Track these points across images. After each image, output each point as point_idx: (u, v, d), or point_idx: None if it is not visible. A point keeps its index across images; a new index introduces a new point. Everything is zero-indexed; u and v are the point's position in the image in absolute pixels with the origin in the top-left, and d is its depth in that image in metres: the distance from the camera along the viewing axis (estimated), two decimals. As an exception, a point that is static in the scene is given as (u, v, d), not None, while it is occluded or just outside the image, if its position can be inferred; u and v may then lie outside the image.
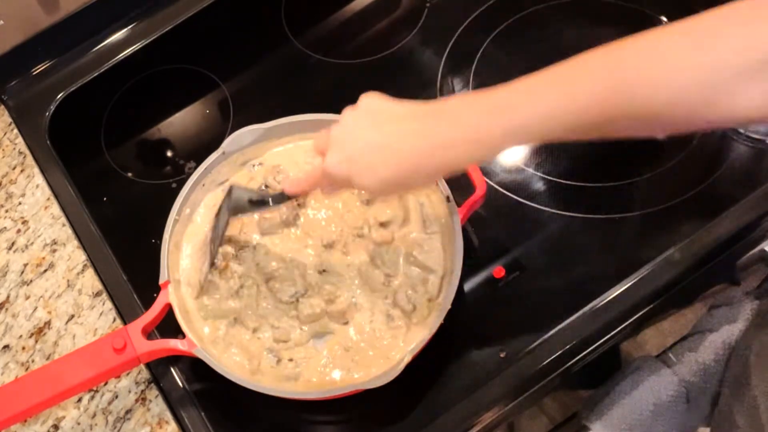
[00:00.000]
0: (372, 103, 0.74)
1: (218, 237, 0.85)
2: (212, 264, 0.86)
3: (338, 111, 0.91)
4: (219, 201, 0.90)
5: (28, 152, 1.03)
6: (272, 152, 0.93)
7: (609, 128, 0.63)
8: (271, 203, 0.83)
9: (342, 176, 0.72)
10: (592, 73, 0.62)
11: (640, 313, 0.85)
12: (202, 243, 0.88)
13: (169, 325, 0.83)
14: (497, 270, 0.87)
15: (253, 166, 0.92)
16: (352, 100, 1.02)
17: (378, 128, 0.71)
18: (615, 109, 0.61)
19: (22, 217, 0.98)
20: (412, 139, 0.69)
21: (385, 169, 0.70)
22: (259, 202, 0.84)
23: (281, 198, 0.82)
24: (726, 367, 0.89)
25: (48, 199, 0.98)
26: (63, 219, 0.97)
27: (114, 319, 0.89)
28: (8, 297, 0.92)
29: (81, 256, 0.94)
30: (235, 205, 0.84)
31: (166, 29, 1.10)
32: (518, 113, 0.64)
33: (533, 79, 0.65)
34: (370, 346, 0.82)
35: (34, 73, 1.10)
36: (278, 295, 0.84)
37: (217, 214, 0.86)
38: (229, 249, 0.87)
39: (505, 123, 0.65)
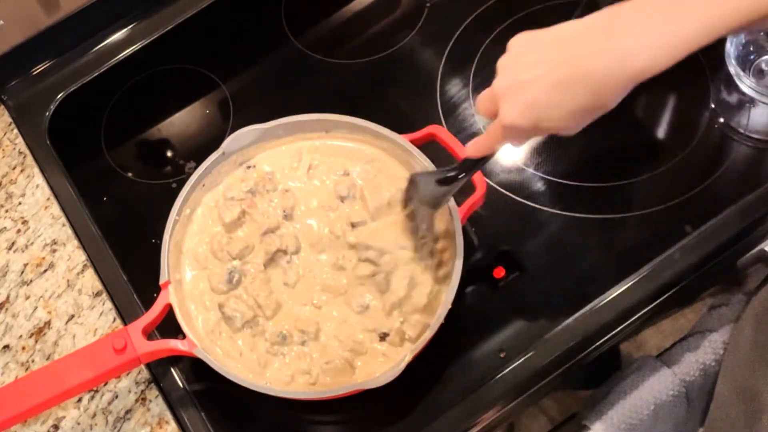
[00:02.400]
0: (525, 39, 0.68)
1: (430, 231, 0.83)
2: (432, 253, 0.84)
3: (338, 111, 0.92)
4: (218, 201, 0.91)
5: (28, 152, 1.03)
6: (261, 156, 0.93)
7: None
8: (462, 176, 0.77)
9: (529, 125, 0.66)
10: None
11: (640, 313, 0.85)
12: None
13: (169, 326, 0.83)
14: (497, 270, 0.87)
15: (248, 167, 0.92)
16: (352, 100, 1.03)
17: (548, 61, 0.65)
18: None
19: (22, 217, 0.98)
20: (593, 55, 0.63)
21: (573, 100, 0.64)
22: (447, 180, 0.78)
23: (468, 166, 0.76)
24: (722, 358, 0.89)
25: (48, 199, 0.98)
26: (63, 219, 0.97)
27: (114, 319, 0.89)
28: (8, 297, 0.92)
29: (81, 256, 0.94)
30: (427, 196, 0.80)
31: (166, 29, 1.10)
32: (711, 7, 0.60)
33: None
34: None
35: (34, 73, 1.10)
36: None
37: (405, 205, 0.83)
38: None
39: (701, 18, 0.61)
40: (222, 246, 0.87)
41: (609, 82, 0.64)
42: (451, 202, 0.84)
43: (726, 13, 0.61)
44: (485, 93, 0.71)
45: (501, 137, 0.71)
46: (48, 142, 1.03)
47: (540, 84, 0.65)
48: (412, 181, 0.82)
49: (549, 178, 0.93)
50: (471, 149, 0.75)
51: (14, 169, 1.02)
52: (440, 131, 0.88)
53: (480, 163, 0.76)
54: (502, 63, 0.68)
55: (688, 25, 0.61)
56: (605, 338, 0.84)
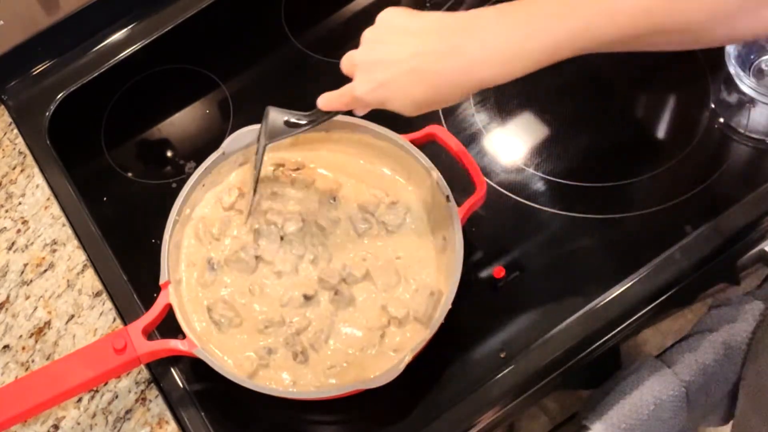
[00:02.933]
0: (393, 19, 0.71)
1: (259, 161, 0.87)
2: (255, 189, 0.88)
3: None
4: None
5: (28, 152, 1.03)
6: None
7: (646, 41, 0.63)
8: (306, 123, 0.84)
9: (374, 102, 0.72)
10: None
11: (640, 313, 0.85)
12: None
13: (169, 326, 0.83)
14: (497, 270, 0.87)
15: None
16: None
17: (405, 49, 0.68)
18: (657, 21, 0.61)
19: (22, 217, 0.98)
20: (444, 58, 0.67)
21: (419, 92, 0.69)
22: (295, 124, 0.84)
23: (317, 116, 0.82)
24: (740, 371, 0.89)
25: (48, 199, 0.98)
26: (63, 219, 0.97)
27: (114, 319, 0.89)
28: (8, 297, 0.92)
29: (81, 256, 0.94)
30: (272, 129, 0.85)
31: (166, 29, 1.10)
32: (560, 26, 0.63)
33: None
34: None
35: (34, 73, 1.10)
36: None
37: (258, 139, 0.87)
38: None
39: (546, 38, 0.63)
40: (207, 229, 0.89)
41: (454, 85, 0.68)
42: (451, 202, 0.84)
43: (568, 36, 0.63)
44: (350, 54, 0.74)
45: (349, 102, 0.76)
46: (48, 142, 1.03)
47: (393, 69, 0.69)
48: (266, 114, 0.86)
49: (549, 178, 0.93)
50: (322, 101, 0.79)
51: (14, 169, 1.02)
52: (440, 131, 0.88)
53: (328, 116, 0.81)
54: (367, 36, 0.72)
55: (532, 42, 0.64)
56: (605, 338, 0.84)
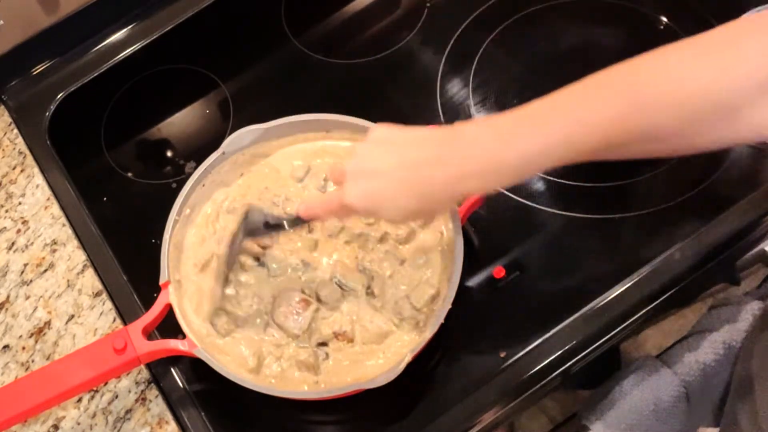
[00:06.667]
0: (384, 133, 0.73)
1: (233, 260, 0.86)
2: (224, 286, 0.86)
3: (338, 111, 0.92)
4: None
5: (28, 152, 1.03)
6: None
7: (626, 150, 0.63)
8: (286, 227, 0.83)
9: (364, 209, 0.73)
10: (608, 93, 0.61)
11: (640, 313, 0.85)
12: (211, 260, 0.87)
13: (169, 326, 0.83)
14: (497, 270, 0.87)
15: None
16: (352, 99, 1.03)
17: (392, 159, 0.70)
18: (632, 130, 0.61)
19: (22, 217, 0.98)
20: (429, 168, 0.68)
21: (405, 201, 0.70)
22: (274, 226, 0.84)
23: (296, 222, 0.81)
24: (732, 368, 0.89)
25: (48, 199, 0.98)
26: (63, 219, 0.97)
27: (114, 319, 0.89)
28: (8, 297, 0.92)
29: (81, 256, 0.94)
30: (251, 228, 0.84)
31: (166, 29, 1.10)
32: (535, 139, 0.63)
33: (549, 102, 0.64)
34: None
35: (34, 73, 1.10)
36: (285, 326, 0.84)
37: (234, 235, 0.86)
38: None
39: (522, 150, 0.64)
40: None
41: (440, 194, 0.69)
42: (451, 202, 0.84)
43: (544, 147, 0.63)
44: (338, 164, 0.76)
45: (335, 209, 0.75)
46: (48, 142, 1.03)
47: (381, 178, 0.70)
48: (246, 213, 0.85)
49: (549, 178, 0.93)
50: (303, 211, 0.78)
51: (14, 169, 1.02)
52: (440, 131, 0.88)
53: (307, 223, 0.82)
54: (358, 148, 0.73)
55: (508, 154, 0.64)
56: (605, 338, 0.83)
